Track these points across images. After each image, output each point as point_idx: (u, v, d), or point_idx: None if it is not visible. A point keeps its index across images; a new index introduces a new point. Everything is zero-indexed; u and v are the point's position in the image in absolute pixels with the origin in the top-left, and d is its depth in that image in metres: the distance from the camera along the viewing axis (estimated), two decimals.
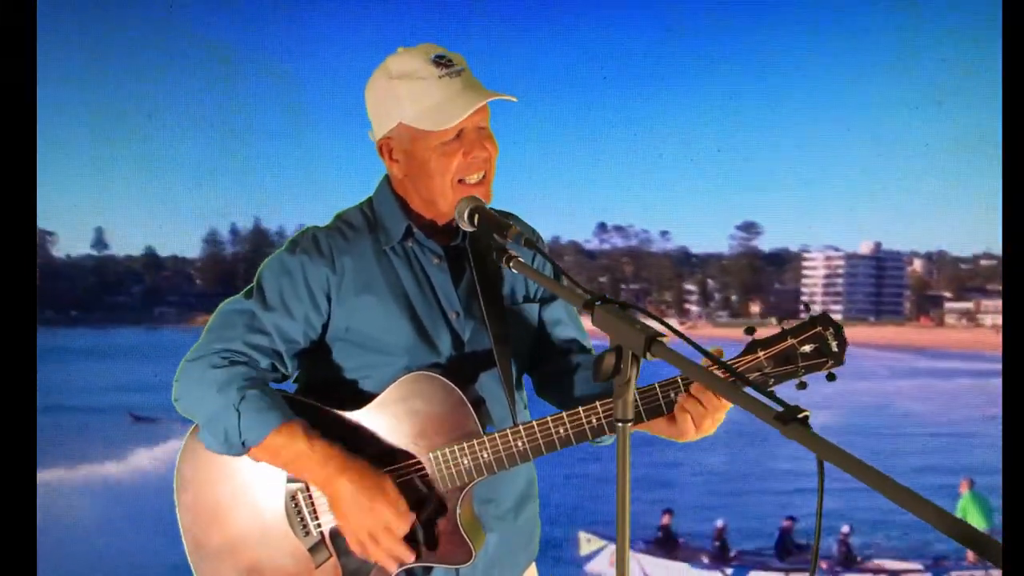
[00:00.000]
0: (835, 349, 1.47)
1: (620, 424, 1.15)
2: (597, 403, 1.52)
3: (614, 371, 1.13)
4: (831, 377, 1.47)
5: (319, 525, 1.61)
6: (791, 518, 11.50)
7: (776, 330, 1.49)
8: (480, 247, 1.66)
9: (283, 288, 1.60)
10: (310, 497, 1.61)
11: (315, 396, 1.62)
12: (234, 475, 1.62)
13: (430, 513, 1.57)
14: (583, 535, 11.53)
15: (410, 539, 1.55)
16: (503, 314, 1.66)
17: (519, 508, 1.74)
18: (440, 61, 1.58)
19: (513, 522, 1.73)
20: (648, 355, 1.09)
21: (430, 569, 1.63)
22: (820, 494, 0.96)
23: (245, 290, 1.63)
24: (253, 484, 1.62)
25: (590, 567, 11.36)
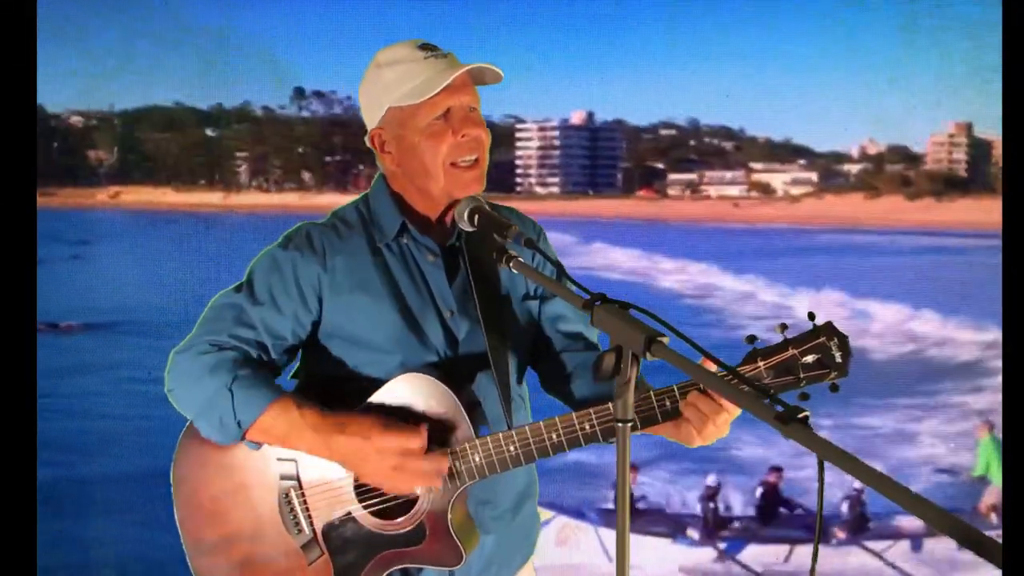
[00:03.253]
0: (838, 360, 1.44)
1: (620, 425, 1.15)
2: (591, 410, 1.51)
3: (614, 371, 1.13)
4: (834, 388, 1.45)
5: (311, 523, 1.61)
6: (777, 468, 9.48)
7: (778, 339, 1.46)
8: (476, 245, 1.65)
9: (272, 284, 1.60)
10: (303, 495, 1.61)
11: (312, 395, 1.61)
12: (229, 472, 1.63)
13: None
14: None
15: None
16: (499, 312, 1.65)
17: (517, 507, 1.74)
18: (426, 47, 1.60)
19: (511, 521, 1.73)
20: (648, 355, 1.09)
21: (421, 569, 1.63)
22: (820, 494, 0.96)
23: (236, 284, 1.63)
24: (248, 481, 1.62)
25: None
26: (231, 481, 1.63)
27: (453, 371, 1.60)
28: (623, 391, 1.13)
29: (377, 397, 1.58)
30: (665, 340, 1.10)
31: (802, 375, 1.45)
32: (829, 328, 1.46)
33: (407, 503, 1.58)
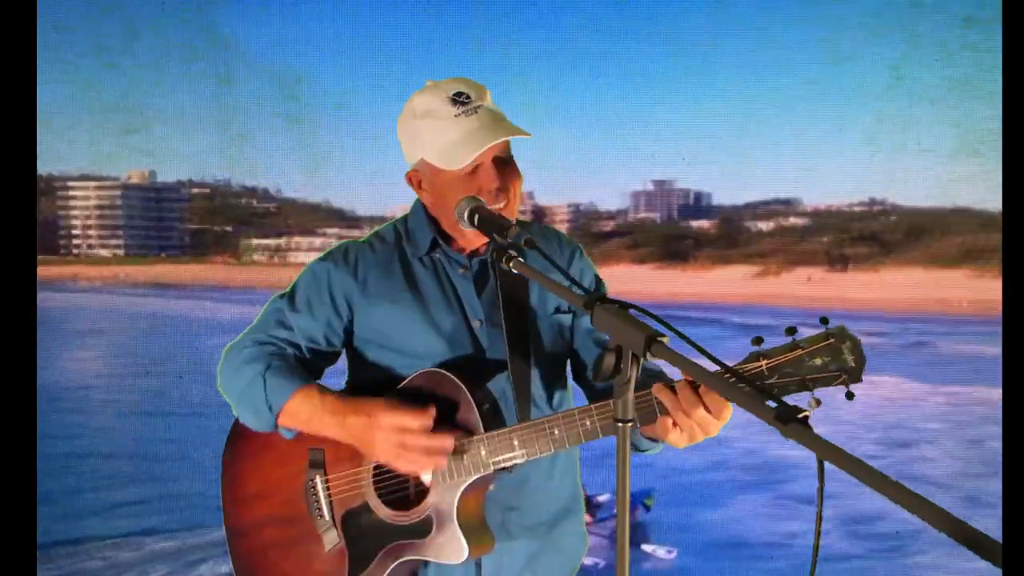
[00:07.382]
0: (851, 364, 1.38)
1: (620, 424, 1.15)
2: (592, 406, 1.52)
3: (614, 371, 1.13)
4: (850, 396, 1.38)
5: (332, 510, 1.70)
6: None
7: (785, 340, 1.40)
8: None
9: (310, 294, 1.74)
10: (327, 482, 1.70)
11: (357, 396, 1.68)
12: (267, 458, 1.75)
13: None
14: None
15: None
16: (525, 323, 1.70)
17: (555, 522, 1.76)
18: (458, 99, 1.61)
19: (546, 535, 1.75)
20: (648, 355, 1.09)
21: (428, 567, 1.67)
22: (820, 494, 0.95)
23: (285, 290, 1.78)
24: (282, 466, 1.74)
25: None
26: (268, 467, 1.75)
27: (475, 374, 1.65)
28: (623, 391, 1.13)
29: (399, 390, 1.66)
30: (665, 340, 1.09)
31: (809, 377, 1.39)
32: (841, 331, 1.40)
33: (419, 495, 1.63)
